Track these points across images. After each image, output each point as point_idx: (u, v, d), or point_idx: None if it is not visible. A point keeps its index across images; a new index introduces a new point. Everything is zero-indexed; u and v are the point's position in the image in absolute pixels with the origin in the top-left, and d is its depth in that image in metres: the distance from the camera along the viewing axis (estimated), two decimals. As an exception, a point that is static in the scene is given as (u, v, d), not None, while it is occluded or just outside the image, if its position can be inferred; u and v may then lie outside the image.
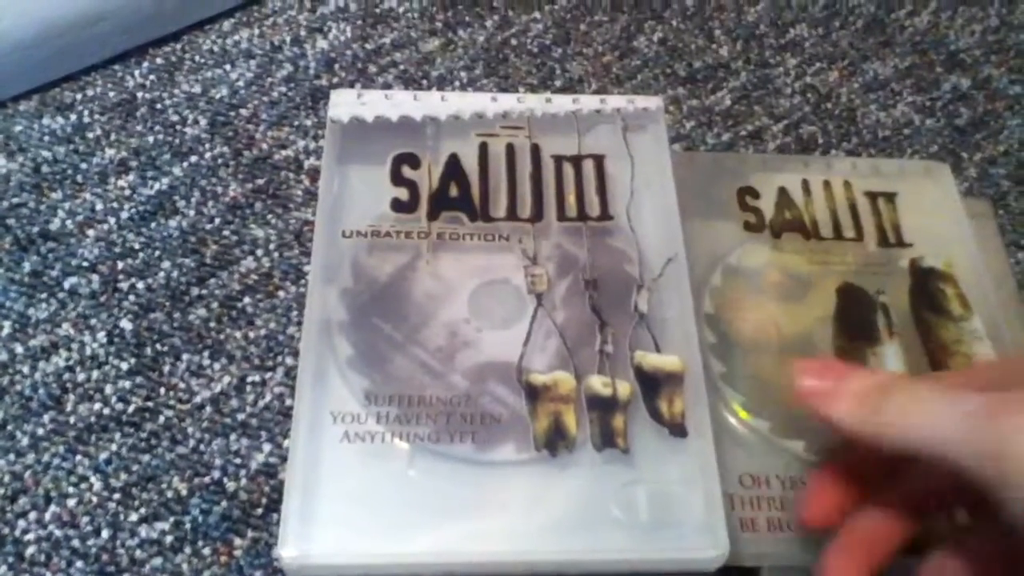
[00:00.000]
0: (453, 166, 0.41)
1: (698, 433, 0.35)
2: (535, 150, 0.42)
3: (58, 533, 0.40)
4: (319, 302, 0.37)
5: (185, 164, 0.51)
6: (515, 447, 0.34)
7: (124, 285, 0.46)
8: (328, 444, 0.34)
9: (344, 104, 0.42)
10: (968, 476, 0.25)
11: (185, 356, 0.44)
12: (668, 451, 0.35)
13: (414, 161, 0.41)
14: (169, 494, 0.41)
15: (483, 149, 0.42)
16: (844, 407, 0.29)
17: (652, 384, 0.36)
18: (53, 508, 0.40)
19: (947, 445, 0.25)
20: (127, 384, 0.44)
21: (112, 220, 0.48)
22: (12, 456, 0.41)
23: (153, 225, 0.48)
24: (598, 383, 0.36)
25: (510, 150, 0.42)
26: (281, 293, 0.47)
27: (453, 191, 0.40)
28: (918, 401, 0.27)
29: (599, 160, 0.42)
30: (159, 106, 0.53)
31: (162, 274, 0.47)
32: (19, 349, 0.44)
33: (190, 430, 0.42)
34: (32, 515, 0.40)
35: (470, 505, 0.33)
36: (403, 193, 0.40)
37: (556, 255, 0.39)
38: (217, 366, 0.44)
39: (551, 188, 0.41)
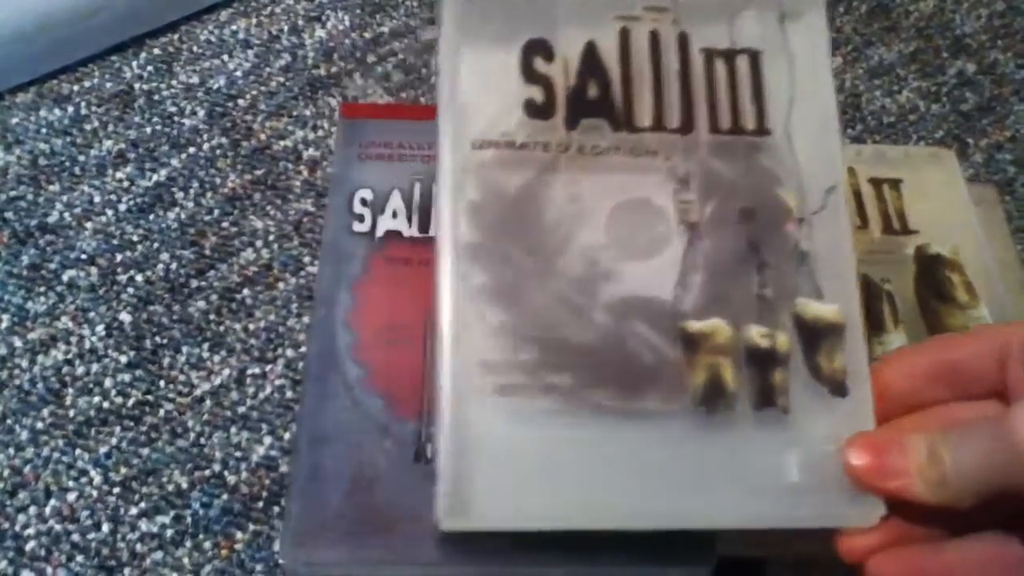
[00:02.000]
0: (590, 58, 0.34)
1: (857, 392, 0.32)
2: (683, 40, 0.35)
3: (58, 527, 0.40)
4: (451, 223, 0.32)
5: (183, 155, 0.50)
6: (665, 400, 0.31)
7: (123, 278, 0.46)
8: (475, 396, 0.31)
9: None
10: None
11: (185, 349, 0.44)
12: (827, 411, 0.31)
13: (547, 51, 0.34)
14: (170, 488, 0.41)
15: (624, 37, 0.35)
16: (912, 487, 0.29)
17: (812, 336, 0.32)
18: (53, 502, 0.40)
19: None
20: (127, 377, 0.43)
21: (110, 212, 0.48)
22: (11, 450, 0.41)
23: (151, 217, 0.48)
24: (757, 334, 0.32)
25: (654, 39, 0.35)
26: (281, 285, 0.46)
27: (592, 92, 0.34)
28: (974, 452, 0.28)
29: (755, 56, 0.35)
30: (157, 97, 0.52)
31: (161, 266, 0.46)
32: (18, 343, 0.44)
33: (190, 423, 0.42)
34: (32, 509, 0.40)
35: (618, 461, 0.31)
36: (537, 93, 0.34)
37: (705, 175, 0.33)
38: (217, 359, 0.44)
39: (702, 91, 0.34)
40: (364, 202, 0.43)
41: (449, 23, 0.34)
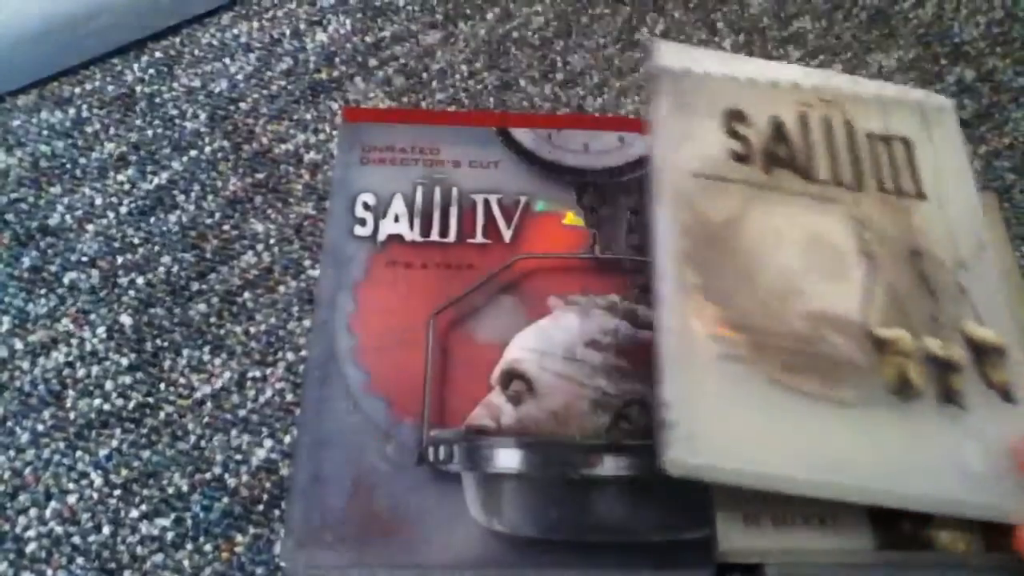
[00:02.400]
0: (777, 129, 0.43)
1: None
2: (849, 126, 0.44)
3: (59, 530, 0.40)
4: (668, 235, 0.39)
5: (184, 158, 0.50)
6: (860, 391, 0.36)
7: (124, 280, 0.46)
8: (702, 361, 0.36)
9: (672, 54, 0.45)
10: None
11: (185, 351, 0.44)
12: (1000, 414, 0.37)
13: (743, 117, 0.43)
14: (170, 490, 0.41)
15: (802, 118, 0.44)
16: None
17: (980, 352, 0.39)
18: (54, 504, 0.40)
19: None
20: (127, 380, 0.43)
21: (111, 215, 0.48)
22: (12, 452, 0.41)
23: (152, 220, 0.48)
24: (935, 345, 0.38)
25: (827, 123, 0.44)
26: (282, 288, 0.46)
27: (782, 151, 0.43)
28: None
29: (907, 143, 0.45)
30: (158, 100, 0.52)
31: (162, 269, 0.47)
32: (18, 345, 0.44)
33: (191, 426, 0.42)
34: (33, 512, 0.40)
35: (818, 437, 0.35)
36: (738, 146, 0.42)
37: (878, 222, 0.41)
38: (218, 361, 0.44)
39: (868, 161, 0.43)
40: (366, 206, 0.44)
41: (664, 96, 0.43)
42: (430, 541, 0.35)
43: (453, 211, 0.44)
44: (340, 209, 0.44)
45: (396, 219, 0.44)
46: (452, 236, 0.43)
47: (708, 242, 0.39)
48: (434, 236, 0.43)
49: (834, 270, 0.40)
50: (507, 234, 0.43)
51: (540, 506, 0.36)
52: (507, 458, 0.37)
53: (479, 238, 0.43)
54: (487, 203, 0.44)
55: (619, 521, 0.36)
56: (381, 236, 0.43)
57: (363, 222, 0.43)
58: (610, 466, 0.37)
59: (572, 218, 0.44)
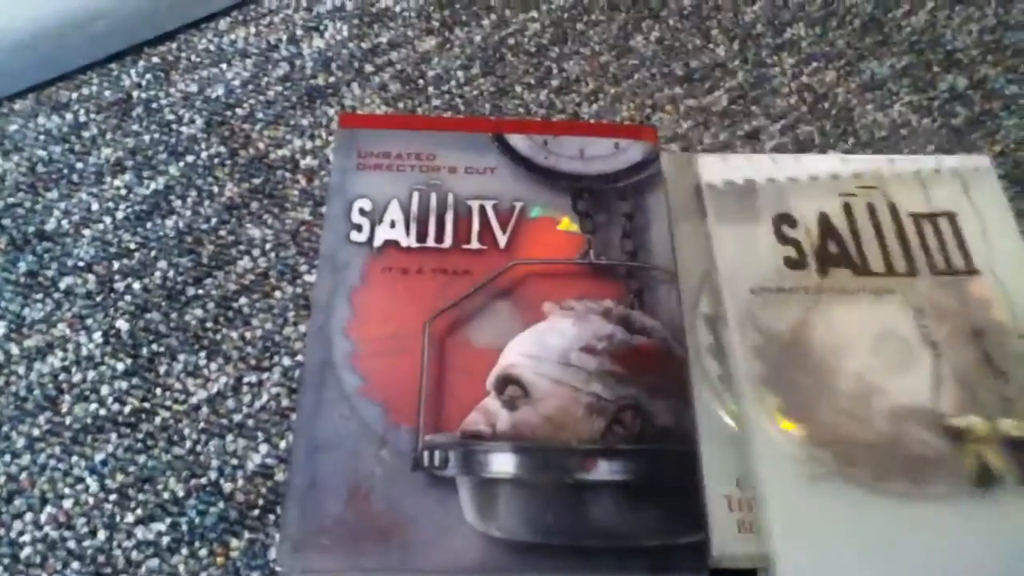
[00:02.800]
0: (826, 224, 0.45)
1: None
2: (893, 209, 0.46)
3: (54, 534, 0.40)
4: (744, 358, 0.41)
5: (181, 164, 0.50)
6: (948, 484, 0.38)
7: (120, 285, 0.46)
8: (793, 483, 0.38)
9: (713, 170, 0.47)
10: None
11: (181, 356, 0.44)
12: None
13: (791, 221, 0.45)
14: (166, 495, 0.41)
15: (847, 208, 0.46)
16: None
17: None
18: (49, 509, 0.40)
19: None
20: (123, 385, 0.43)
21: (108, 220, 0.48)
22: (8, 457, 0.41)
23: (149, 225, 0.48)
24: (1011, 425, 0.39)
25: (871, 209, 0.46)
26: (278, 293, 0.46)
27: (833, 248, 0.45)
28: None
29: (951, 217, 0.46)
30: (155, 105, 0.53)
31: (158, 274, 0.47)
32: (14, 350, 0.44)
33: (186, 431, 0.42)
34: (28, 516, 0.40)
35: (911, 534, 0.36)
36: (791, 251, 0.44)
37: (935, 305, 0.43)
38: (214, 366, 0.44)
39: (916, 244, 0.45)
40: (362, 212, 0.44)
41: (711, 212, 0.45)
42: (425, 546, 0.35)
43: (449, 217, 0.44)
44: (337, 215, 0.44)
45: (392, 225, 0.44)
46: (448, 242, 0.43)
47: (779, 359, 0.41)
48: (430, 242, 0.43)
49: (903, 363, 0.41)
50: (503, 240, 0.43)
51: (535, 511, 0.36)
52: (502, 463, 0.37)
53: (475, 244, 0.43)
54: (483, 209, 0.44)
55: (614, 525, 0.36)
56: (377, 242, 0.43)
57: (359, 228, 0.44)
58: (605, 470, 0.37)
59: (567, 224, 0.44)
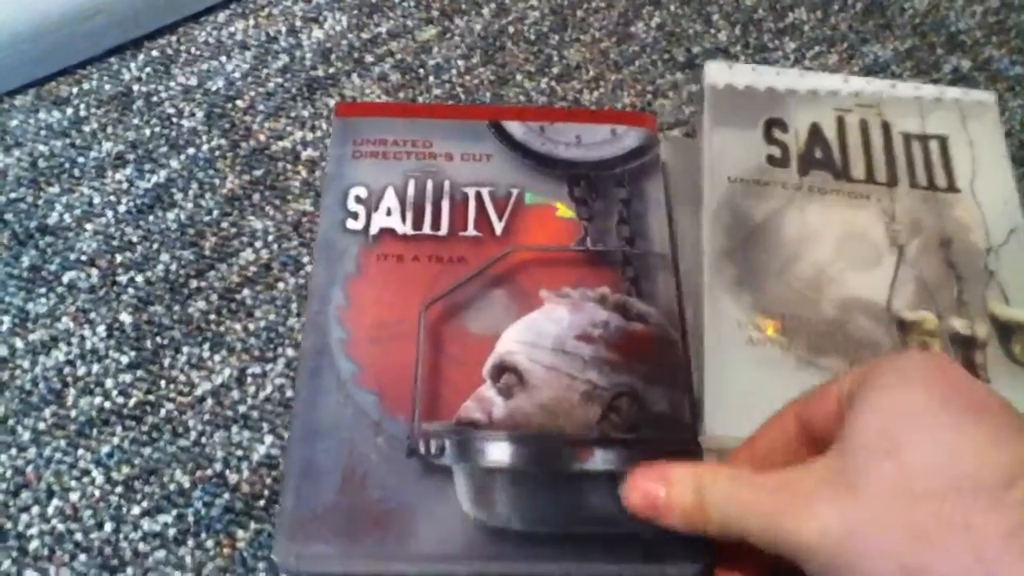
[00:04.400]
0: (816, 133, 0.47)
1: None
2: (885, 127, 0.48)
3: (61, 527, 0.40)
4: (710, 234, 0.43)
5: (182, 156, 0.50)
6: None
7: (123, 278, 0.46)
8: (732, 345, 0.40)
9: (718, 73, 0.49)
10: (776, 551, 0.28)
11: (185, 349, 0.44)
12: (1022, 387, 0.39)
13: (782, 126, 0.47)
14: (171, 487, 0.41)
15: (840, 122, 0.48)
16: (676, 520, 0.31)
17: (1005, 330, 0.41)
18: (56, 502, 0.40)
19: (756, 534, 0.29)
20: (127, 377, 0.44)
21: (110, 213, 0.48)
22: (14, 451, 0.41)
23: (151, 218, 0.48)
24: (959, 323, 0.41)
25: (864, 125, 0.48)
26: (280, 285, 0.46)
27: (818, 153, 0.46)
28: (728, 500, 0.30)
29: (943, 141, 0.48)
30: (155, 99, 0.53)
31: (161, 267, 0.47)
32: (19, 344, 0.44)
33: (191, 423, 0.42)
34: (35, 509, 0.40)
35: None
36: (776, 151, 0.46)
37: (910, 215, 0.45)
38: (217, 358, 0.44)
39: (902, 160, 0.47)
40: (358, 199, 0.44)
41: (708, 115, 0.47)
42: (421, 534, 0.35)
43: (445, 204, 0.44)
44: (333, 203, 0.44)
45: (388, 212, 0.44)
46: (444, 229, 0.43)
47: (746, 240, 0.43)
48: (426, 229, 0.43)
49: (865, 261, 0.43)
50: (499, 227, 0.43)
51: (530, 499, 0.36)
52: (497, 452, 0.37)
53: (471, 231, 0.43)
54: (479, 196, 0.44)
55: (609, 513, 0.35)
56: (373, 229, 0.43)
57: (355, 216, 0.43)
58: (600, 459, 0.37)
59: (564, 210, 0.44)
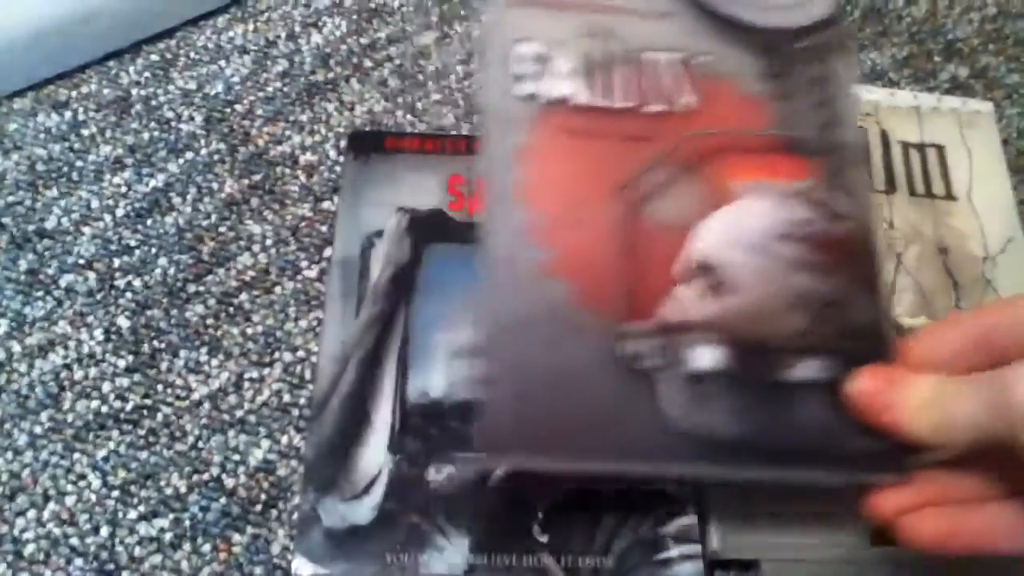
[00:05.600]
0: None
1: None
2: (883, 135, 0.48)
3: (57, 531, 0.40)
4: None
5: (181, 161, 0.50)
6: None
7: (121, 282, 0.46)
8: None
9: None
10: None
11: (183, 353, 0.44)
12: None
13: None
14: (168, 491, 0.41)
15: None
16: (909, 421, 0.30)
17: None
18: (52, 506, 0.40)
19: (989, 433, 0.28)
20: (125, 381, 0.43)
21: (108, 217, 0.48)
22: (10, 454, 0.41)
23: (149, 222, 0.48)
24: None
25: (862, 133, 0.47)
26: (278, 289, 0.46)
27: None
28: (971, 399, 0.29)
29: (940, 149, 0.48)
30: (154, 103, 0.53)
31: (159, 271, 0.47)
32: (16, 347, 0.44)
33: (188, 427, 0.42)
34: (31, 513, 0.40)
35: None
36: None
37: (908, 223, 0.45)
38: (215, 363, 0.44)
39: (900, 168, 0.47)
40: (526, 58, 0.38)
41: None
42: (623, 434, 0.33)
43: (623, 70, 0.38)
44: (496, 60, 0.37)
45: (562, 77, 0.37)
46: (624, 101, 0.37)
47: None
48: (604, 100, 0.37)
49: None
50: (684, 101, 0.38)
51: (734, 407, 0.34)
52: (704, 359, 0.34)
53: (654, 104, 0.37)
54: (660, 64, 0.38)
55: (815, 425, 0.33)
56: (546, 97, 0.37)
57: (522, 78, 0.37)
58: (809, 369, 0.34)
59: (751, 87, 0.39)
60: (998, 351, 0.30)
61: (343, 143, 0.51)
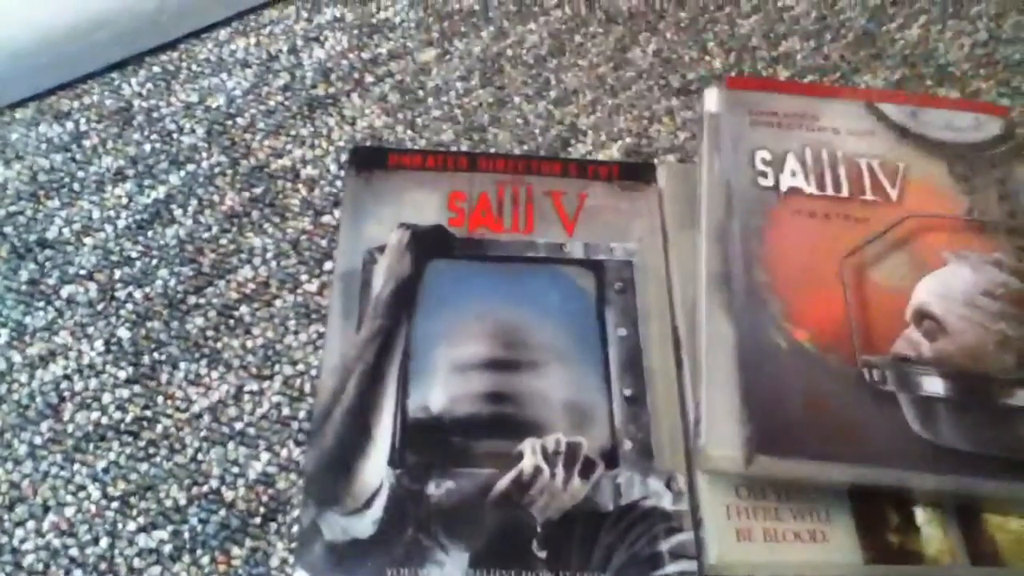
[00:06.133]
0: None
1: None
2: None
3: (56, 542, 0.40)
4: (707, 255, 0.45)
5: (182, 173, 0.51)
6: None
7: (121, 294, 0.46)
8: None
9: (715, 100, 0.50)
10: None
11: (183, 365, 0.45)
12: None
13: None
14: (167, 503, 0.41)
15: None
16: None
17: None
18: (51, 517, 0.40)
19: None
20: (125, 393, 0.44)
21: (109, 228, 0.48)
22: (10, 465, 0.41)
23: (150, 234, 0.48)
24: None
25: None
26: (278, 302, 0.47)
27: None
28: None
29: None
30: (156, 115, 0.53)
31: (159, 283, 0.47)
32: (16, 358, 0.44)
33: (188, 439, 0.43)
34: (30, 524, 0.40)
35: None
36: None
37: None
38: (215, 375, 0.44)
39: None
40: (764, 161, 0.48)
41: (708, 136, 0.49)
42: (875, 446, 0.39)
43: (841, 170, 0.48)
44: (741, 162, 0.47)
45: (793, 174, 0.47)
46: (845, 192, 0.47)
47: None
48: (828, 191, 0.47)
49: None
50: (893, 194, 0.47)
51: (962, 424, 0.41)
52: (934, 384, 0.41)
53: (869, 195, 0.47)
54: (870, 166, 0.48)
55: None
56: (783, 187, 0.47)
57: (764, 175, 0.47)
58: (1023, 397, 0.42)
59: (944, 185, 0.48)
60: None
61: (344, 158, 0.52)
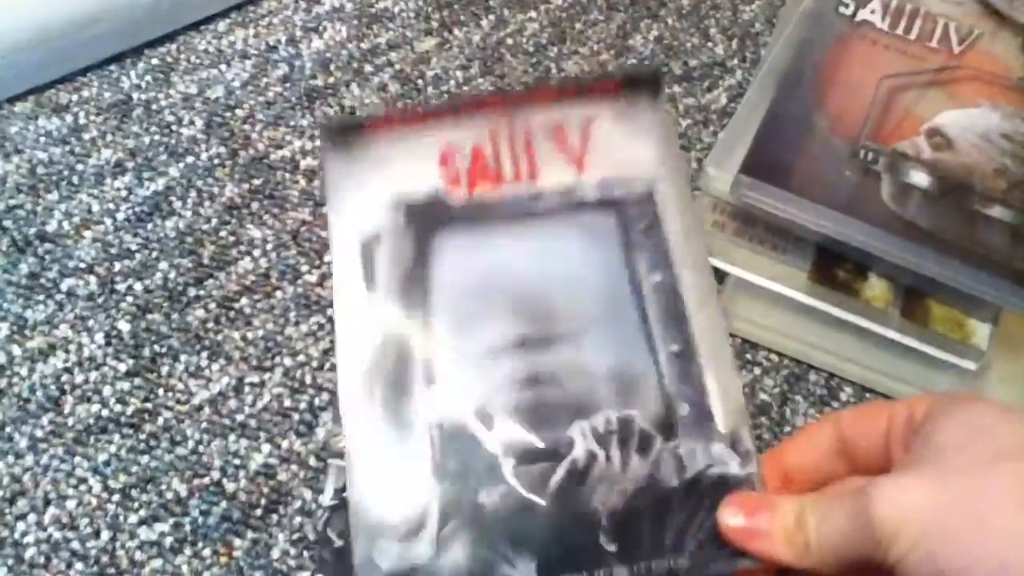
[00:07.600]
0: None
1: None
2: None
3: (57, 535, 0.40)
4: None
5: (181, 165, 0.51)
6: None
7: (121, 286, 0.46)
8: None
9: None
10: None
11: (183, 357, 0.44)
12: None
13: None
14: (168, 495, 0.41)
15: None
16: (777, 548, 0.30)
17: None
18: (52, 510, 0.40)
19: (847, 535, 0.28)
20: (125, 385, 0.44)
21: (109, 221, 0.48)
22: (11, 458, 0.41)
23: (150, 226, 0.48)
24: None
25: None
26: (279, 293, 0.47)
27: None
28: (836, 521, 0.29)
29: None
30: (155, 107, 0.53)
31: (159, 275, 0.47)
32: (17, 351, 0.44)
33: (189, 431, 0.43)
34: (31, 517, 0.40)
35: None
36: None
37: None
38: (215, 367, 0.44)
39: None
40: None
41: None
42: (849, 202, 0.46)
43: (918, 21, 0.53)
44: None
45: (872, 12, 0.53)
46: (913, 35, 0.53)
47: None
48: (899, 31, 0.53)
49: None
50: (956, 48, 0.53)
51: (936, 213, 0.46)
52: (920, 177, 0.47)
53: (934, 43, 0.52)
54: (946, 25, 0.53)
55: (993, 243, 0.46)
56: (859, 17, 0.53)
57: (846, 5, 0.53)
58: (1002, 213, 0.47)
59: (1009, 57, 0.53)
60: (855, 460, 0.32)
61: (318, 134, 0.51)
